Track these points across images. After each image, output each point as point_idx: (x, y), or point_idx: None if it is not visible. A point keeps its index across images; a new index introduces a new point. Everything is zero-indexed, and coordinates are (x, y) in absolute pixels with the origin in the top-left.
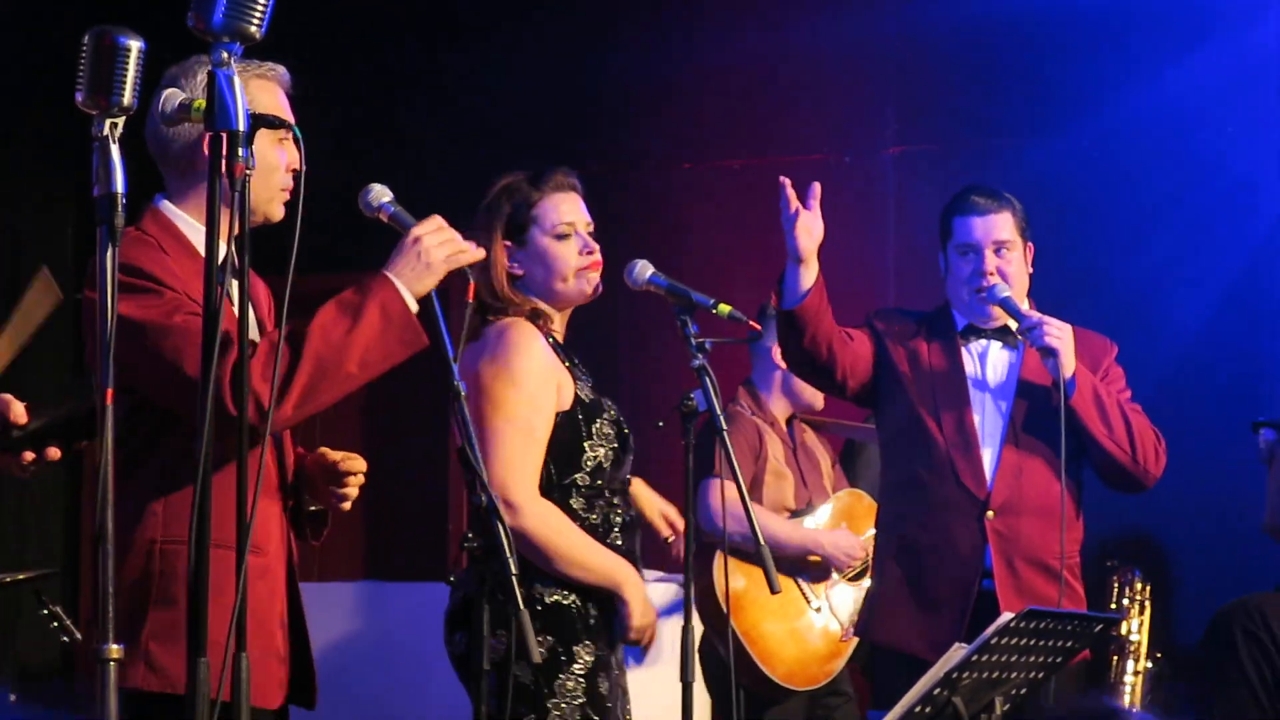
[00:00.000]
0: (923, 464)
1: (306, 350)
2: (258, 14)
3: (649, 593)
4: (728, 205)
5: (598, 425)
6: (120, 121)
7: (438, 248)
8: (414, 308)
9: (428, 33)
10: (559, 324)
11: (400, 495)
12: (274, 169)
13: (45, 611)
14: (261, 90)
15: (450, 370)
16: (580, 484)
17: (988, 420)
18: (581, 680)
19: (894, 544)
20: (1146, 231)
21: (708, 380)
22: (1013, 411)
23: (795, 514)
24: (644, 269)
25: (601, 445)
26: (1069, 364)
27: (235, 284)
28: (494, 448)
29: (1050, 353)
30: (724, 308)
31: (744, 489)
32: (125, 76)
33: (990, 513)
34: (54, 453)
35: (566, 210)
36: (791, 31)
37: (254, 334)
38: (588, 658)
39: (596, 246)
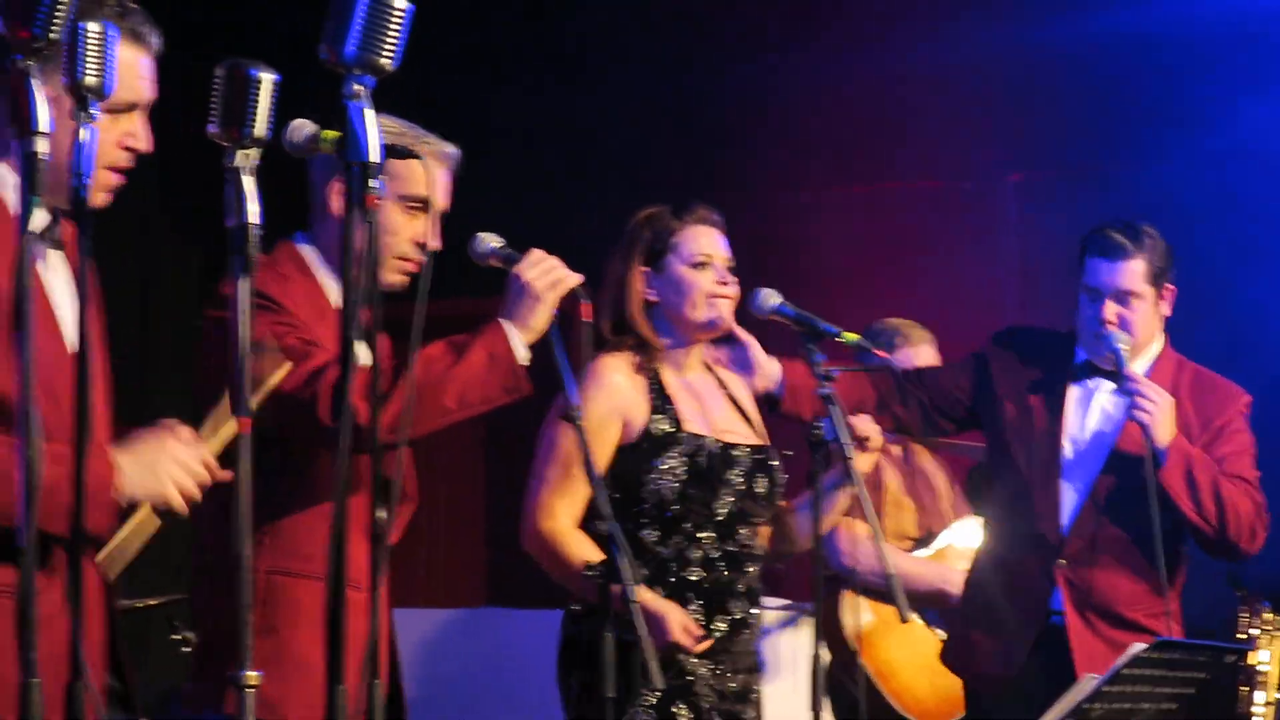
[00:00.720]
0: (1003, 497)
1: (409, 375)
2: (389, 47)
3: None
4: (848, 232)
5: (665, 460)
6: (252, 153)
7: (539, 279)
8: (522, 355)
9: (547, 67)
10: (690, 359)
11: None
12: (394, 233)
13: (177, 637)
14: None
15: (568, 398)
16: (647, 516)
17: (1079, 464)
18: (652, 711)
19: (973, 573)
20: (1266, 252)
21: (835, 409)
22: (1108, 460)
23: (916, 543)
24: (769, 297)
25: (665, 479)
26: (1162, 435)
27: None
28: (532, 470)
29: (1141, 424)
30: (850, 336)
31: (875, 520)
32: (258, 108)
33: (1062, 560)
34: (225, 475)
35: (706, 243)
36: (912, 57)
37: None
38: (650, 695)
39: (734, 280)
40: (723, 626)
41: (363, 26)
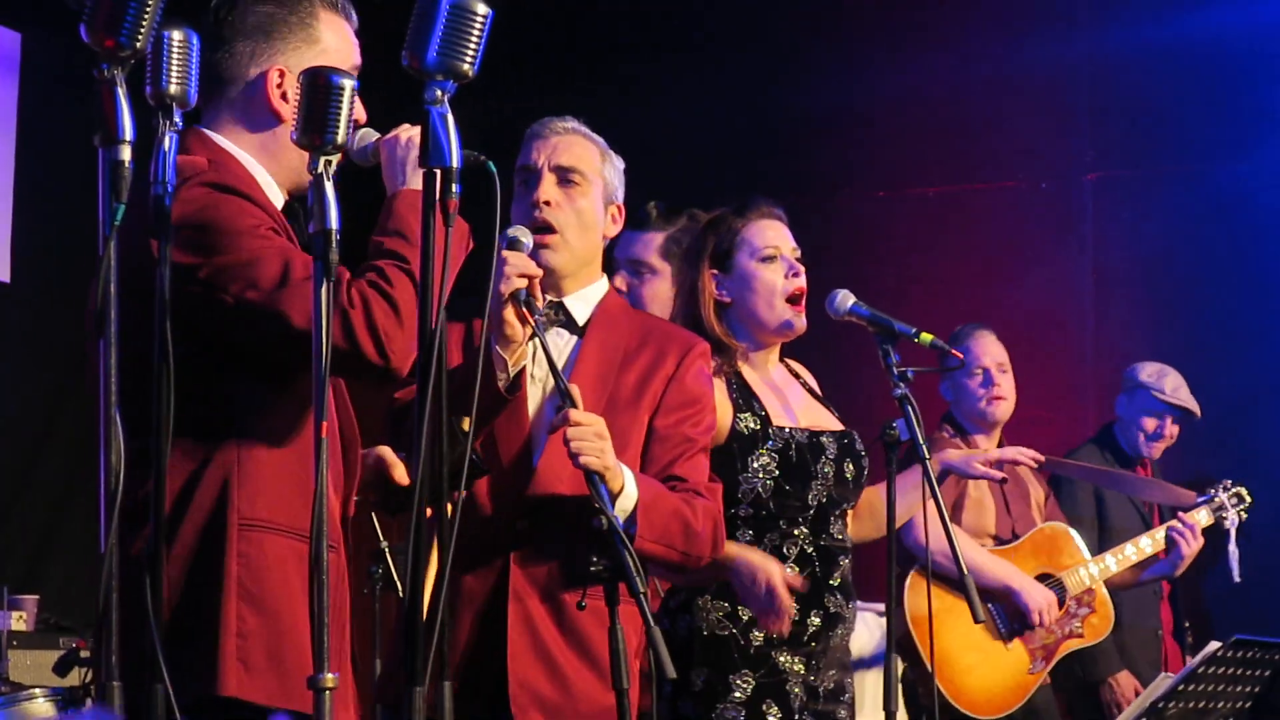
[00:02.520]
0: None
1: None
2: (471, 52)
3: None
4: (924, 232)
5: (755, 457)
6: (335, 159)
7: (511, 269)
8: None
9: (624, 68)
10: (765, 359)
11: None
12: None
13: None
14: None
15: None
16: (742, 516)
17: None
18: (741, 709)
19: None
20: None
21: (910, 409)
22: None
23: (998, 542)
24: (845, 299)
25: (758, 477)
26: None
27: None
28: None
29: None
30: (926, 337)
31: (946, 515)
32: (339, 115)
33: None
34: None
35: (772, 235)
36: (987, 58)
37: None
38: (746, 686)
39: (802, 269)
40: (817, 622)
41: (444, 33)
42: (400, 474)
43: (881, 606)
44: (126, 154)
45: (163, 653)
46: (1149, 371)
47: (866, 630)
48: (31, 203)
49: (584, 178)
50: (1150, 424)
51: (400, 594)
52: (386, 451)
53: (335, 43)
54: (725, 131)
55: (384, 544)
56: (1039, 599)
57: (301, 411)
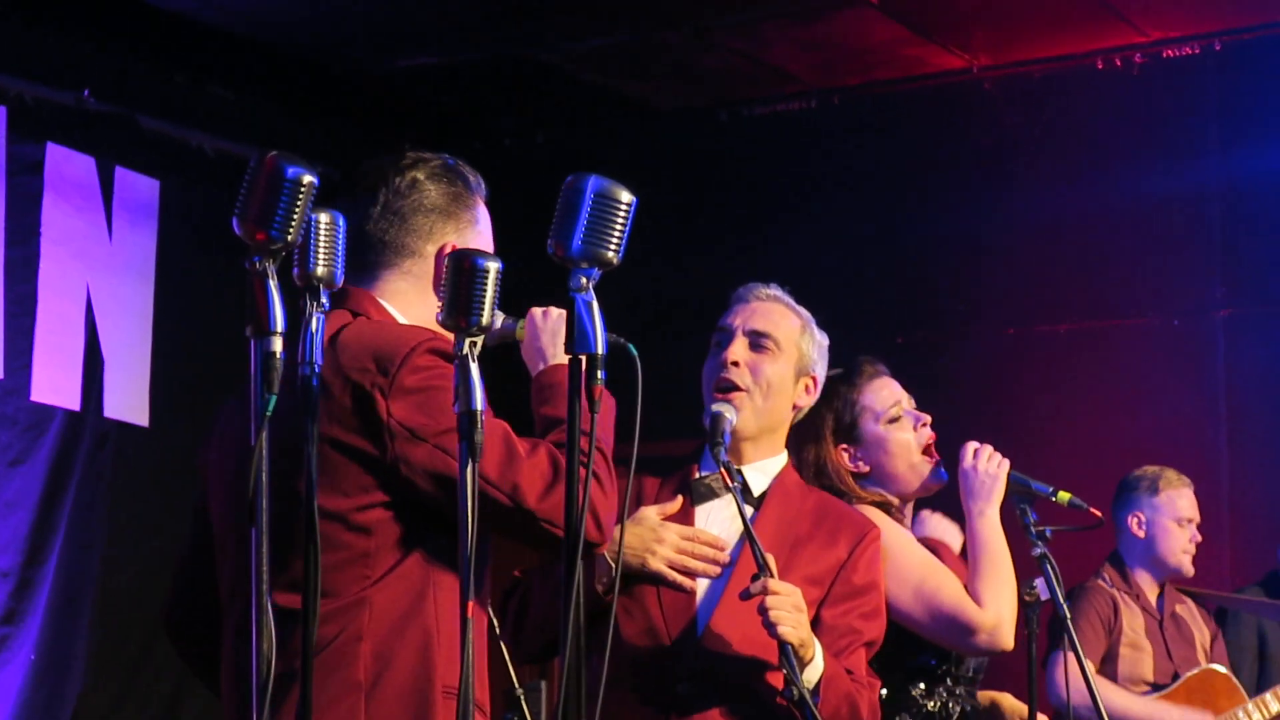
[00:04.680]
0: None
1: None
2: (616, 239)
3: None
4: (1054, 371)
5: None
6: (479, 340)
7: None
8: None
9: (751, 209)
10: (908, 514)
11: None
12: None
13: None
14: None
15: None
16: (920, 668)
17: None
18: None
19: None
20: None
21: (1049, 568)
22: None
23: (1156, 689)
24: None
25: None
26: None
27: None
28: (931, 595)
29: None
30: (1063, 496)
31: (1084, 664)
32: (485, 297)
33: None
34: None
35: (889, 394)
36: (1116, 192)
37: None
38: None
39: (928, 418)
40: None
41: (589, 221)
42: None
43: None
44: (278, 345)
45: None
46: None
47: None
48: (169, 348)
49: (776, 344)
50: None
51: None
52: None
53: (485, 227)
54: (854, 267)
55: (518, 690)
56: None
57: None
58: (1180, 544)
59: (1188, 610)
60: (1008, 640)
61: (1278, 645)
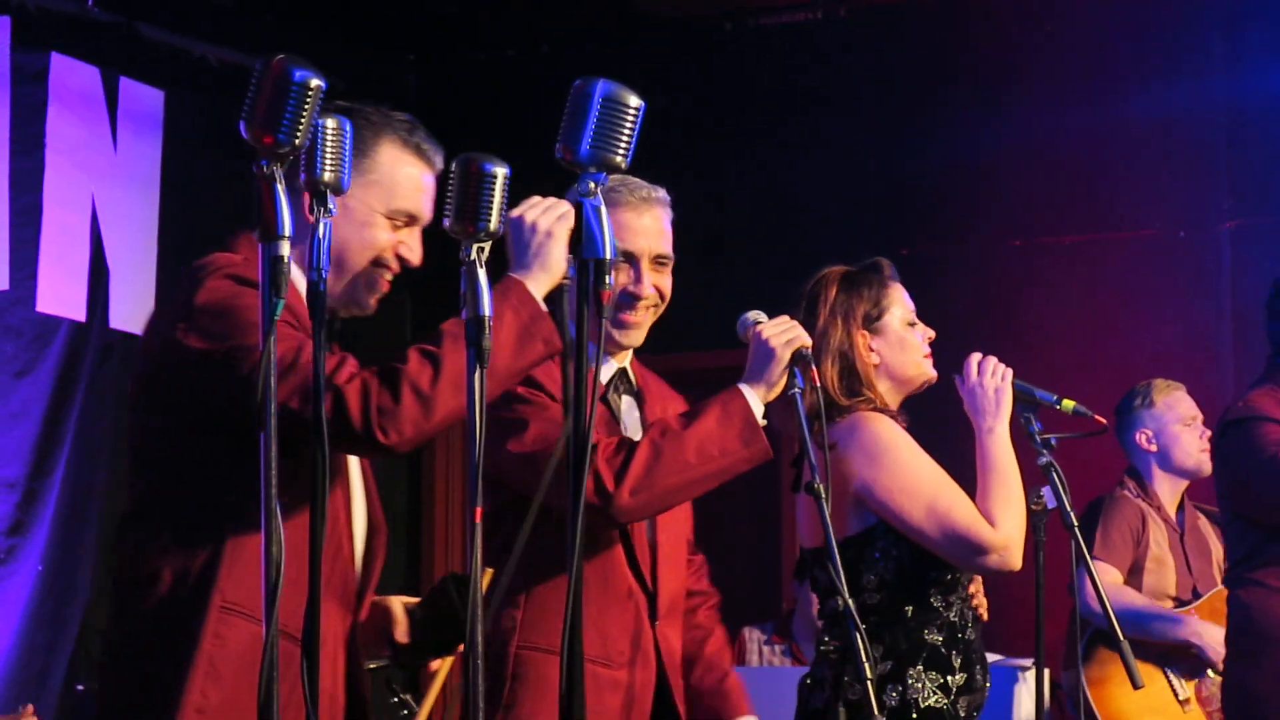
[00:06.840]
0: None
1: (644, 439)
2: (624, 144)
3: None
4: (1058, 283)
5: None
6: (487, 246)
7: (776, 336)
8: (759, 411)
9: (754, 125)
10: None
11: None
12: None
13: (395, 699)
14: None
15: (811, 470)
16: (936, 580)
17: None
18: None
19: None
20: None
21: (1055, 476)
22: None
23: (1179, 604)
24: None
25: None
26: None
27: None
28: (944, 515)
29: None
30: (1068, 404)
31: (1096, 580)
32: (492, 203)
33: None
34: (434, 665)
35: (908, 300)
36: (1122, 105)
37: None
38: None
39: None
40: (988, 685)
41: (597, 126)
42: (401, 632)
43: (1026, 661)
44: (286, 249)
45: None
46: None
47: (1026, 687)
48: (175, 259)
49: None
50: None
51: None
52: (395, 605)
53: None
54: (856, 182)
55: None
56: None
57: (303, 505)
58: (1193, 443)
59: (1205, 524)
60: (1017, 560)
61: None
